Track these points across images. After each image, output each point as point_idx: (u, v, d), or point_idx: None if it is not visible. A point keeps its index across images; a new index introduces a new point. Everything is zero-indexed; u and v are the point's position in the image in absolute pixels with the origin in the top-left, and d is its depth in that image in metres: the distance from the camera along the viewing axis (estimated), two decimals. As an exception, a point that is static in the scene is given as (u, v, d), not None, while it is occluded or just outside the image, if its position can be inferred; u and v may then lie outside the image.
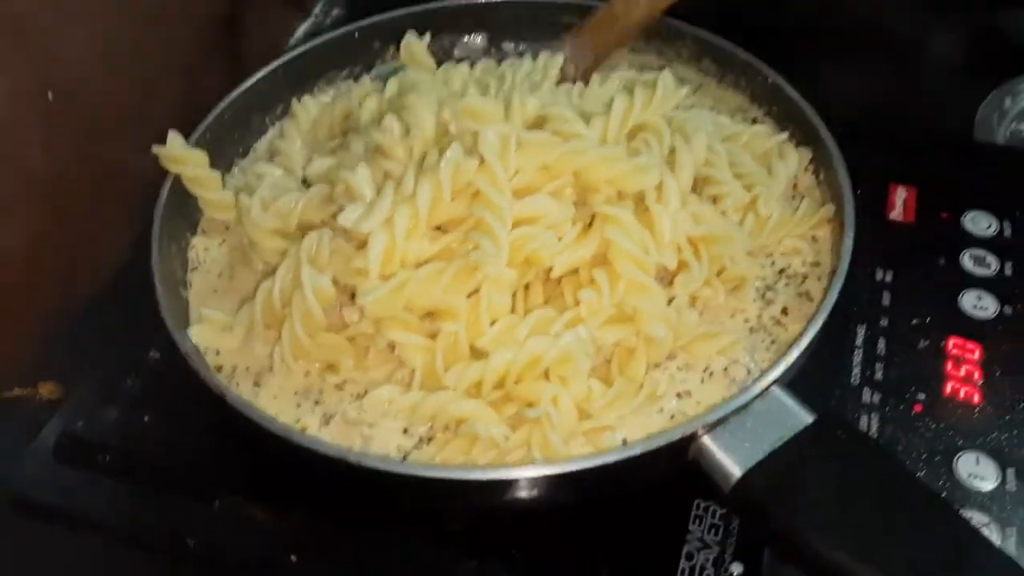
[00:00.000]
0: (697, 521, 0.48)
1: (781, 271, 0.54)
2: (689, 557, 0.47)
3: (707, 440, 0.43)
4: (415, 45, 0.66)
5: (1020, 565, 0.40)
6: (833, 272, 0.50)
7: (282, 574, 0.49)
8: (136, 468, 0.53)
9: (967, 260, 0.61)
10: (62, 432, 0.54)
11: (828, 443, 0.43)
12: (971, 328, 0.57)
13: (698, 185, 0.54)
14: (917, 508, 0.40)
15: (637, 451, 0.42)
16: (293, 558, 0.49)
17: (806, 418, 0.43)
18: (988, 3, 0.85)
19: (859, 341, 0.57)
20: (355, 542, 0.49)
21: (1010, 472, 0.50)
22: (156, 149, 0.56)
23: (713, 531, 0.48)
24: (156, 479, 0.52)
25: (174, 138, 0.57)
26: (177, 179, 0.57)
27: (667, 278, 0.51)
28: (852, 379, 0.54)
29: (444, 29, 0.71)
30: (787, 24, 0.84)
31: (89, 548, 0.52)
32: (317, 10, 0.93)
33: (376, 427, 0.47)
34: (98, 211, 0.64)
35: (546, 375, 0.47)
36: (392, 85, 0.60)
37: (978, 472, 0.50)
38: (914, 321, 0.57)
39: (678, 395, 0.49)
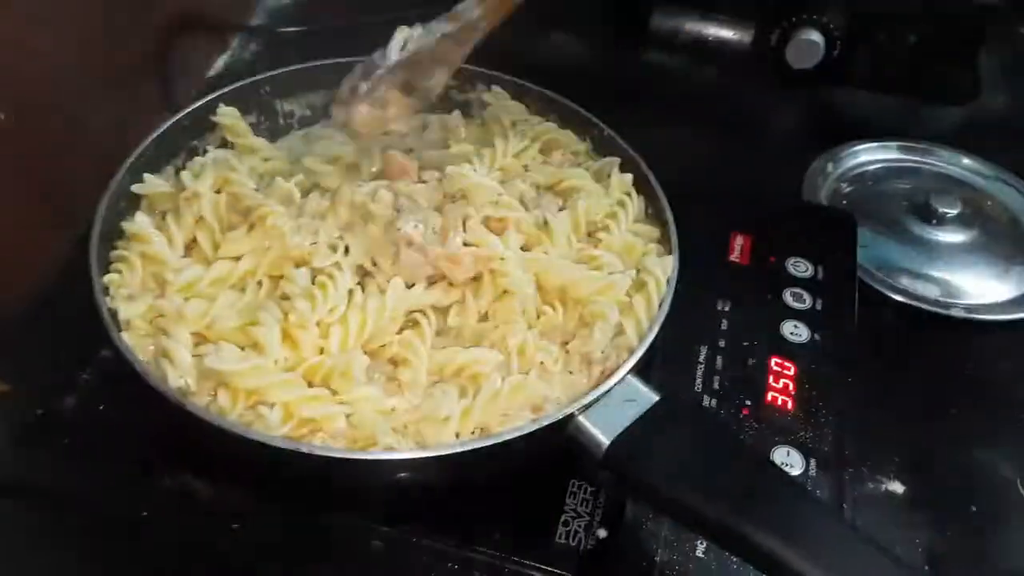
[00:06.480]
0: (571, 496, 0.59)
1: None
2: (565, 524, 0.57)
3: (582, 419, 0.54)
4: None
5: (805, 488, 0.55)
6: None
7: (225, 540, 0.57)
8: (93, 450, 0.59)
9: (788, 296, 0.73)
10: (21, 418, 0.60)
11: (672, 414, 0.55)
12: (789, 350, 0.69)
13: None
14: (736, 454, 0.54)
15: (527, 430, 0.53)
16: (235, 526, 0.57)
17: (654, 396, 0.55)
18: (816, 81, 1.02)
19: (701, 358, 0.68)
20: (284, 511, 0.57)
21: (812, 461, 0.62)
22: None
23: (584, 504, 0.58)
24: (111, 458, 0.59)
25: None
26: (113, 196, 0.63)
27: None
28: (696, 387, 0.66)
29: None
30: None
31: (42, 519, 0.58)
32: (235, 44, 1.02)
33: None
34: (42, 218, 0.70)
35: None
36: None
37: (788, 461, 0.62)
38: (745, 343, 0.69)
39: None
